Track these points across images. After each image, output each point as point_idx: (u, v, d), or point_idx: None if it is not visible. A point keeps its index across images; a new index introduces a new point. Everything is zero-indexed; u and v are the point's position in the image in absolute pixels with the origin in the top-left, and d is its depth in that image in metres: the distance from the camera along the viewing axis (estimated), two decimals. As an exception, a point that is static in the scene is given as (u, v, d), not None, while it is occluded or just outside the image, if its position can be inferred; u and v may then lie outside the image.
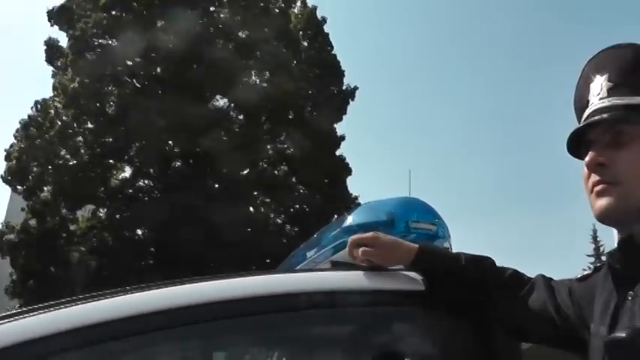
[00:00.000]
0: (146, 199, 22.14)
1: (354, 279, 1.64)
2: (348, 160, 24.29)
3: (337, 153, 24.22)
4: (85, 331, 1.33)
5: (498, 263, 1.63)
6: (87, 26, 21.14)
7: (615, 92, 1.28)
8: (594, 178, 1.28)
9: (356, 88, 24.47)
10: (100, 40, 21.84)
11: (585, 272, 1.49)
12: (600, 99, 1.30)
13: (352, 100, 24.46)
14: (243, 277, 1.62)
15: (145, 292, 1.50)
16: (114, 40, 21.79)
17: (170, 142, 22.38)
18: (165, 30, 21.81)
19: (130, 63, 22.01)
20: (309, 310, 1.64)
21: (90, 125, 21.97)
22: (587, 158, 1.29)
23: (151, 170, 22.63)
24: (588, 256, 32.04)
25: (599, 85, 1.32)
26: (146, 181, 22.87)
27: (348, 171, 24.13)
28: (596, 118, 1.28)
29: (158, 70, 22.24)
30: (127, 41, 20.99)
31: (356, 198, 23.78)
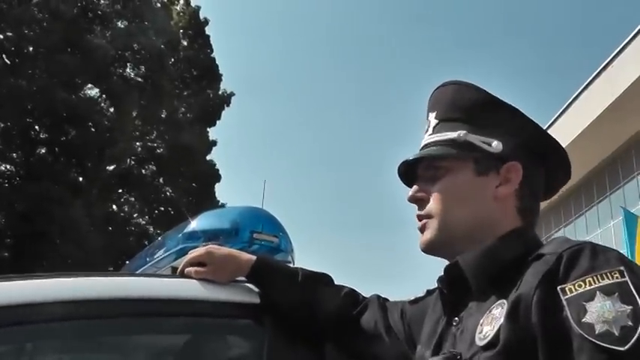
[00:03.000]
0: (6, 185, 20.86)
1: (188, 288, 1.58)
2: (218, 167, 24.12)
3: (208, 158, 23.98)
4: None
5: (352, 278, 1.64)
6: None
7: (438, 129, 1.33)
8: (416, 212, 1.34)
9: (232, 93, 24.39)
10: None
11: (418, 295, 1.50)
12: (429, 135, 1.35)
13: (227, 105, 24.33)
14: (73, 277, 1.51)
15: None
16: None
17: (36, 127, 21.24)
18: (41, 8, 20.71)
19: (1, 37, 20.70)
20: (137, 318, 1.55)
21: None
22: (409, 193, 1.34)
23: (14, 155, 21.34)
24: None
25: (428, 122, 1.37)
26: (8, 166, 21.55)
27: (217, 177, 23.95)
28: (416, 155, 1.34)
29: (30, 49, 21.04)
30: (-1, 13, 19.77)
31: (223, 205, 23.63)
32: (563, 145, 1.35)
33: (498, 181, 1.28)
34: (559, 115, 17.92)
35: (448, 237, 1.28)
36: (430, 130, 1.35)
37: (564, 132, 15.43)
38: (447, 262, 1.27)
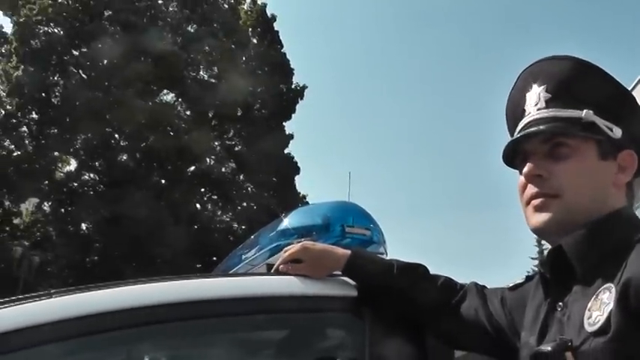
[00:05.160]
0: (91, 193, 21.71)
1: (285, 284, 1.61)
2: (296, 159, 24.29)
3: (286, 152, 24.18)
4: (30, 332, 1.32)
5: (444, 264, 1.63)
6: (32, 13, 20.49)
7: (553, 104, 1.28)
8: (532, 189, 1.28)
9: (305, 87, 24.49)
10: (46, 28, 21.23)
11: (517, 281, 1.48)
12: (538, 109, 1.30)
13: (301, 99, 24.45)
14: (176, 280, 1.58)
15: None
16: (59, 29, 21.23)
17: (116, 135, 21.98)
18: (112, 21, 21.40)
19: (76, 53, 21.51)
20: (242, 316, 1.61)
21: (34, 115, 21.41)
22: (525, 169, 1.28)
23: (97, 164, 22.16)
24: (532, 259, 32.56)
25: (536, 95, 1.31)
26: (91, 175, 22.43)
27: (296, 170, 24.12)
28: (533, 129, 1.28)
29: (105, 61, 21.79)
30: (72, 30, 20.50)
31: (304, 197, 23.81)
32: None
33: (615, 168, 1.26)
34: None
35: (570, 219, 1.23)
36: (542, 104, 1.30)
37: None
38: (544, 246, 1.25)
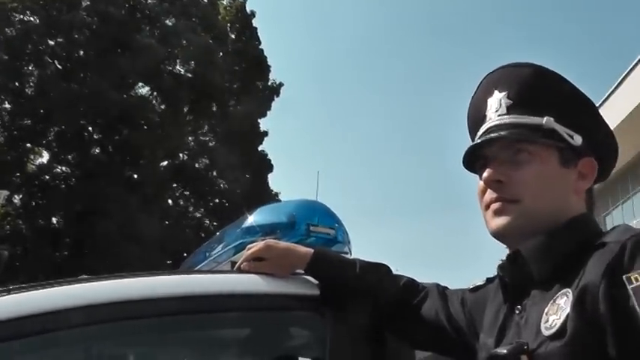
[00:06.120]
0: (63, 186, 21.46)
1: (248, 282, 1.60)
2: (270, 157, 24.28)
3: (260, 149, 24.16)
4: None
5: (410, 264, 1.63)
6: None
7: (514, 110, 1.29)
8: (491, 194, 1.28)
9: (281, 84, 24.49)
10: (21, 16, 20.94)
11: (478, 283, 1.49)
12: (499, 115, 1.30)
13: (277, 96, 24.46)
14: (137, 277, 1.56)
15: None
16: (35, 17, 20.95)
17: (90, 128, 21.75)
18: (90, 12, 21.16)
19: (52, 43, 21.24)
20: (203, 314, 1.60)
21: (7, 105, 21.13)
22: (485, 174, 1.29)
23: (69, 157, 21.91)
24: (503, 260, 32.88)
25: (497, 101, 1.31)
26: (63, 168, 22.16)
27: (269, 167, 24.11)
28: (494, 134, 1.28)
29: (81, 52, 21.55)
30: (49, 19, 20.24)
31: (277, 194, 23.81)
32: (613, 126, 1.37)
33: (576, 175, 1.28)
34: (609, 95, 17.36)
35: (529, 224, 1.24)
36: (503, 110, 1.30)
37: (615, 110, 14.93)
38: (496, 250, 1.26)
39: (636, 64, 16.16)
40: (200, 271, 2.24)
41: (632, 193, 18.83)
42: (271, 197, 23.02)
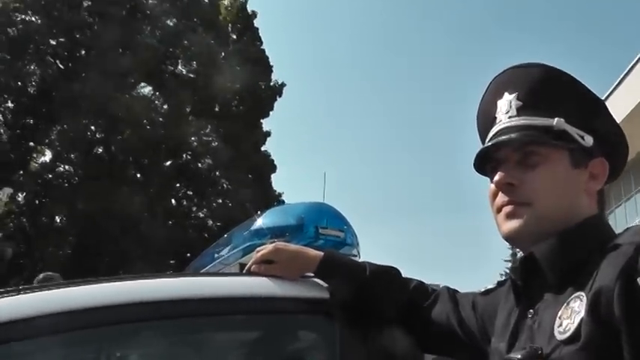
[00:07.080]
0: (66, 185, 21.46)
1: (257, 285, 1.60)
2: (273, 157, 24.26)
3: (263, 149, 24.14)
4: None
5: (418, 267, 1.62)
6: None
7: (525, 112, 1.28)
8: (503, 197, 1.27)
9: (284, 84, 24.45)
10: (23, 16, 20.94)
11: (489, 287, 1.48)
12: (509, 117, 1.29)
13: (280, 96, 24.41)
14: (145, 279, 1.57)
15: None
16: (37, 18, 20.95)
17: (92, 127, 21.76)
18: (91, 12, 21.16)
19: (53, 42, 21.25)
20: (212, 317, 1.59)
21: (10, 105, 21.13)
22: (496, 177, 1.28)
23: (72, 156, 21.91)
24: (505, 261, 32.69)
25: (507, 102, 1.30)
26: (66, 167, 22.17)
27: (272, 168, 24.09)
28: (504, 137, 1.27)
29: (83, 52, 21.55)
30: (51, 19, 20.25)
31: (280, 195, 23.78)
32: (619, 119, 1.36)
33: (587, 176, 1.27)
34: (614, 88, 17.33)
35: (541, 227, 1.23)
36: (513, 112, 1.29)
37: (621, 105, 14.90)
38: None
39: (636, 63, 16.13)
40: (209, 274, 2.24)
41: (635, 192, 18.79)
42: (274, 197, 23.01)
